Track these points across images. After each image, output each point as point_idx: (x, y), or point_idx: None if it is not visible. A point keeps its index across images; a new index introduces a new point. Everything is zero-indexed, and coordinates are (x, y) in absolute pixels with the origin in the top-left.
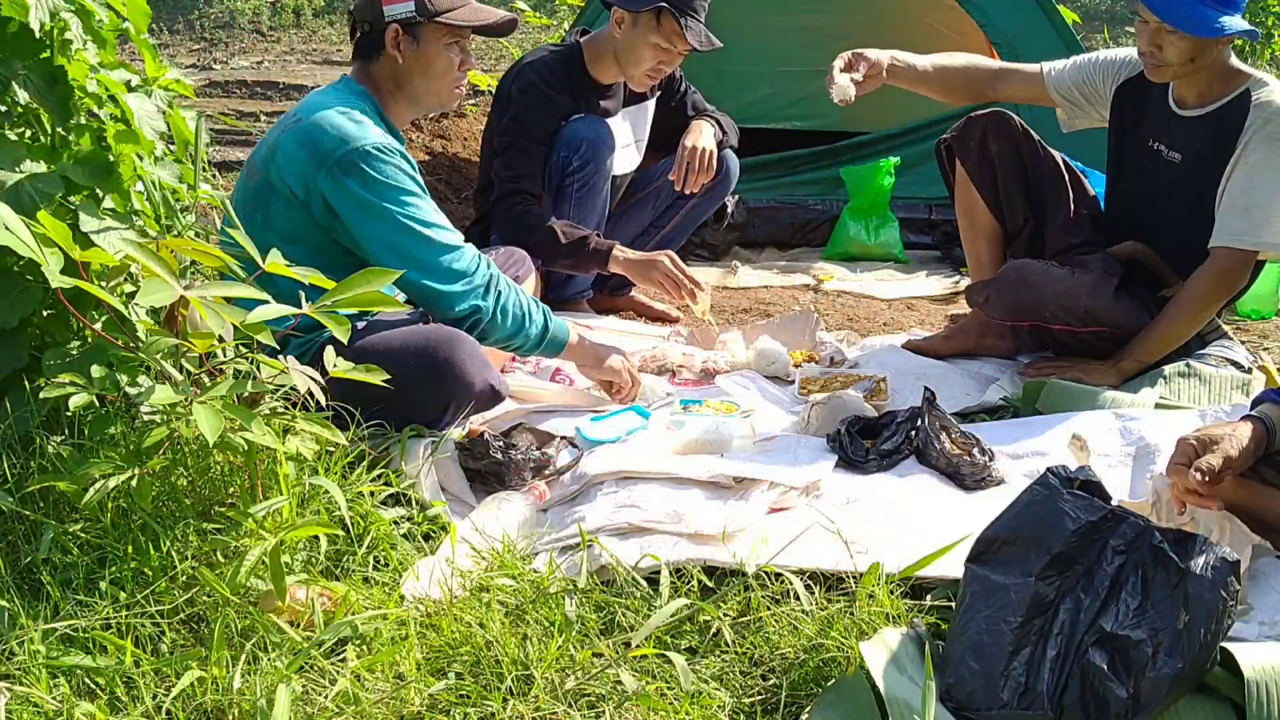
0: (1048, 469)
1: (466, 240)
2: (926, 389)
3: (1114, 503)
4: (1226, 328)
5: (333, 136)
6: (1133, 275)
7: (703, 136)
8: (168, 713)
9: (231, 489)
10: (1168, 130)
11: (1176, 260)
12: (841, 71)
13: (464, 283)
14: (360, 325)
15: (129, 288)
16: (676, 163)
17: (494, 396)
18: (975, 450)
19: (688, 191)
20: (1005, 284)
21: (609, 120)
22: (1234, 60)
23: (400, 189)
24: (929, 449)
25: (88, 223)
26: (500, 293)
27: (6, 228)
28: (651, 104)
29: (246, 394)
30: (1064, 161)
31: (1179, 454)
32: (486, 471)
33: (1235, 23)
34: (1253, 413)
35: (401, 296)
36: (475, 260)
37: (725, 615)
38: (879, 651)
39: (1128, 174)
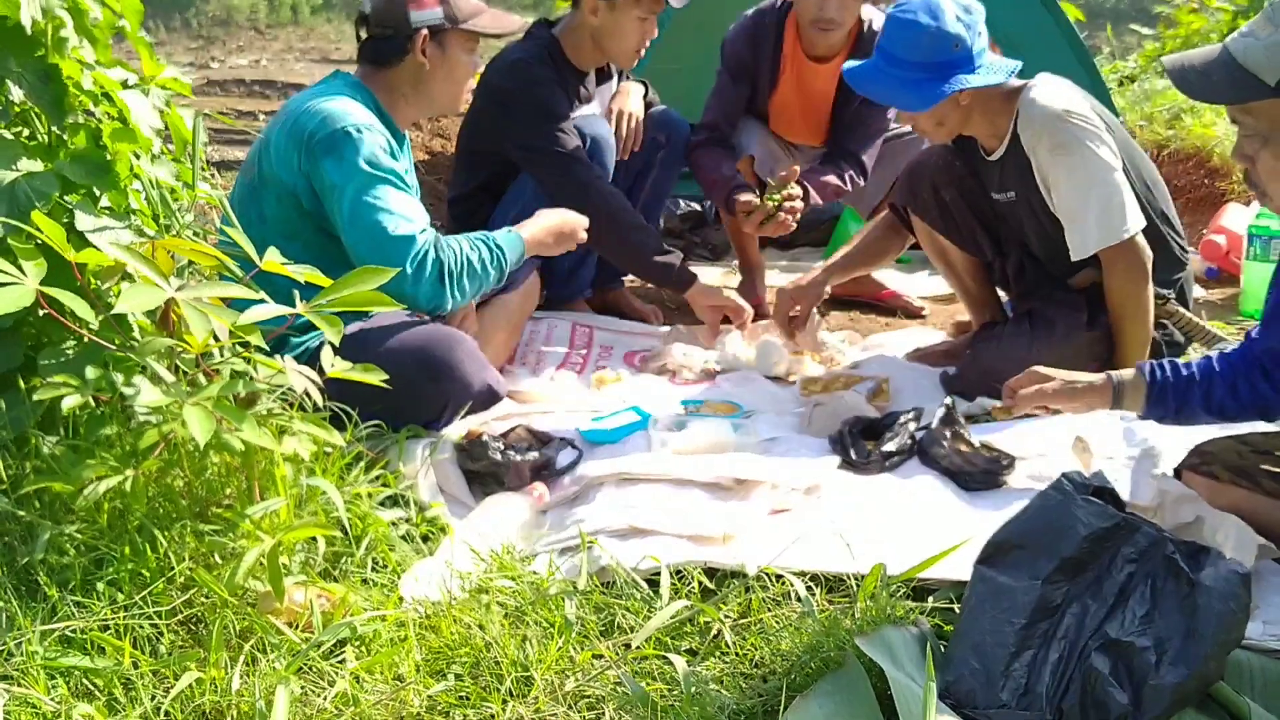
0: (1062, 474)
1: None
2: (948, 400)
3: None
4: (1229, 329)
5: (316, 119)
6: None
7: (630, 100)
8: (166, 714)
9: (228, 490)
10: (994, 178)
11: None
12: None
13: (416, 284)
14: (357, 324)
15: (126, 285)
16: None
17: (492, 396)
18: (985, 454)
19: (623, 158)
20: (974, 379)
21: (586, 106)
22: (1011, 82)
23: (367, 174)
24: (937, 449)
25: (84, 222)
26: (454, 279)
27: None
28: (614, 82)
29: (241, 394)
30: None
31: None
32: (485, 472)
33: (964, 80)
34: (1110, 372)
35: None
36: (422, 251)
37: (726, 617)
38: (877, 647)
39: (1004, 224)
